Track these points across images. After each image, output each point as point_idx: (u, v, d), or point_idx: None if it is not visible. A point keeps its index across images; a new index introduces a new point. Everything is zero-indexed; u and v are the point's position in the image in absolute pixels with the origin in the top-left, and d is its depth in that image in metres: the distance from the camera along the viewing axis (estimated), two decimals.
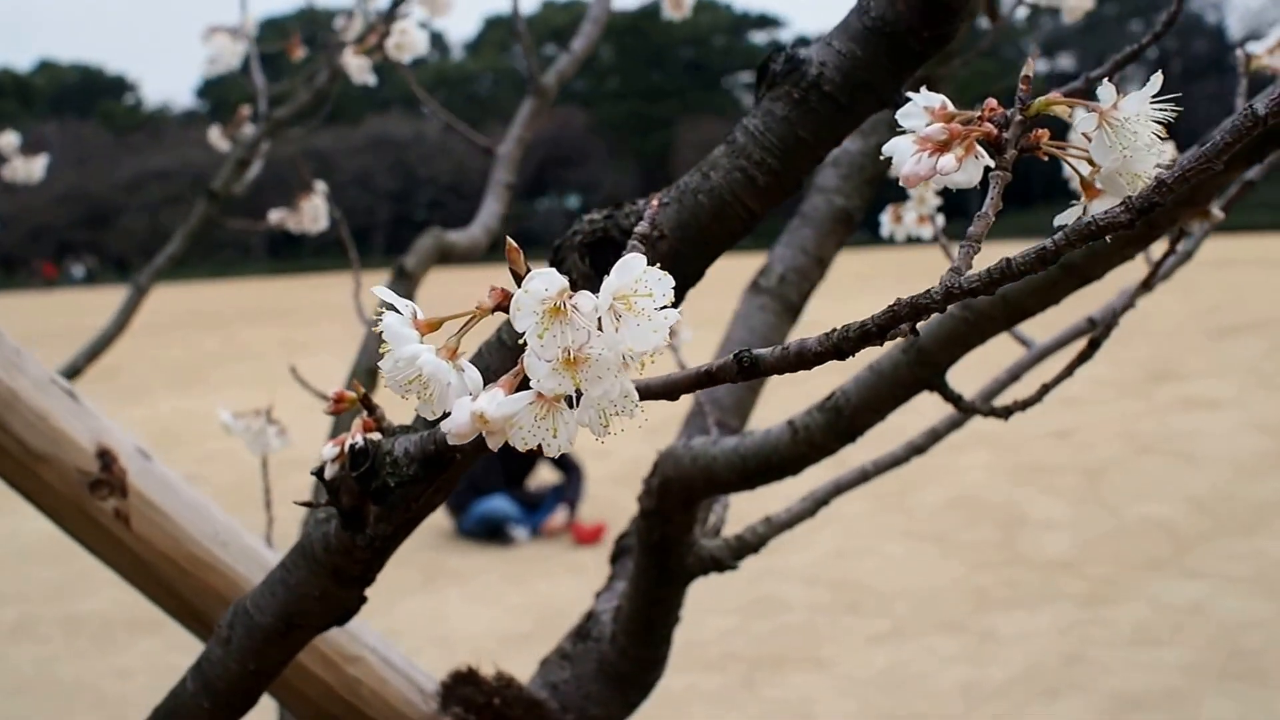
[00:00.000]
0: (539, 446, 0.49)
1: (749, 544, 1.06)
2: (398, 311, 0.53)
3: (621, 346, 0.46)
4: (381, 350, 0.52)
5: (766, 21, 59.80)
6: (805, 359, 0.50)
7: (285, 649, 0.86)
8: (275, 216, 2.56)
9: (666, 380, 0.54)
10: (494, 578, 6.33)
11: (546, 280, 0.47)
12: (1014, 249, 0.52)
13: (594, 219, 0.75)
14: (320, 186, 2.51)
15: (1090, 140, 0.60)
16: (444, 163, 49.10)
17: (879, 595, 5.63)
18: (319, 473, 0.70)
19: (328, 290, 28.11)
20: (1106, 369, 11.41)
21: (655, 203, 0.68)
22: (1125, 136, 0.60)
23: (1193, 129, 1.03)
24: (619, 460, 8.22)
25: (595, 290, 0.48)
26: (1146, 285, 0.94)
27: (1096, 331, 0.97)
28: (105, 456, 1.23)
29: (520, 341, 0.47)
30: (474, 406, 0.48)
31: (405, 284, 1.81)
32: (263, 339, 19.24)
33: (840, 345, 0.49)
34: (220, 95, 50.55)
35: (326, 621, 0.84)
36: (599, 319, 0.47)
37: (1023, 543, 6.33)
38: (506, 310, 0.50)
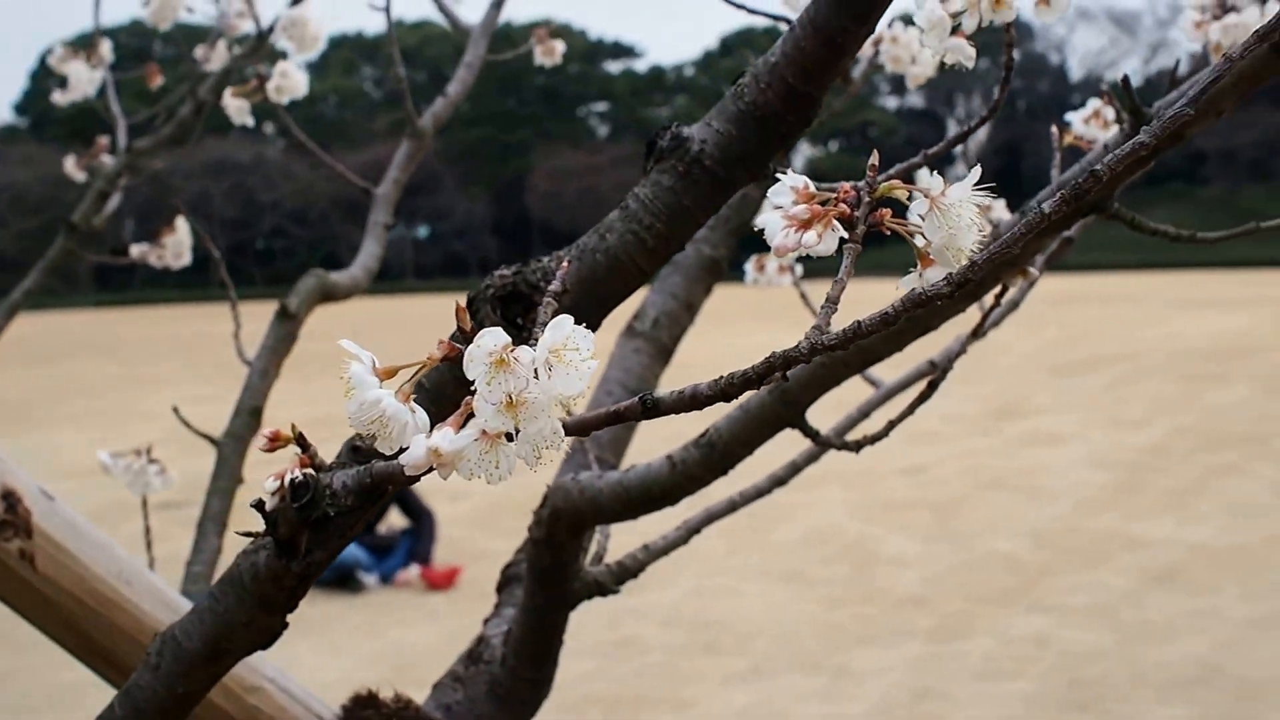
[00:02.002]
0: (483, 478, 0.59)
1: (629, 569, 1.15)
2: (361, 361, 0.62)
3: (554, 392, 0.56)
4: (346, 394, 0.61)
5: (621, 50, 60.06)
6: (698, 401, 0.60)
7: (212, 673, 0.94)
8: (137, 251, 2.46)
9: (580, 419, 0.64)
10: (345, 626, 6.21)
11: (494, 338, 0.57)
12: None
13: (504, 275, 0.85)
14: (181, 223, 2.44)
15: (923, 220, 0.71)
16: (287, 188, 47.59)
17: (737, 634, 5.74)
18: (259, 505, 0.78)
19: (163, 323, 27.50)
20: (955, 405, 11.76)
21: (565, 263, 0.78)
22: (950, 218, 0.70)
23: (1039, 166, 1.17)
24: (471, 503, 8.24)
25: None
26: (976, 334, 1.06)
27: (935, 374, 1.09)
28: (9, 498, 1.27)
29: (472, 388, 0.57)
30: (429, 443, 0.58)
31: (288, 324, 1.85)
32: (96, 374, 18.64)
33: (727, 390, 0.59)
34: (42, 111, 48.77)
35: (252, 646, 0.92)
36: (535, 369, 0.57)
37: (876, 579, 6.50)
38: (452, 361, 0.59)
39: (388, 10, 1.92)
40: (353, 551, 6.73)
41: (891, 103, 55.56)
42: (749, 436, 0.94)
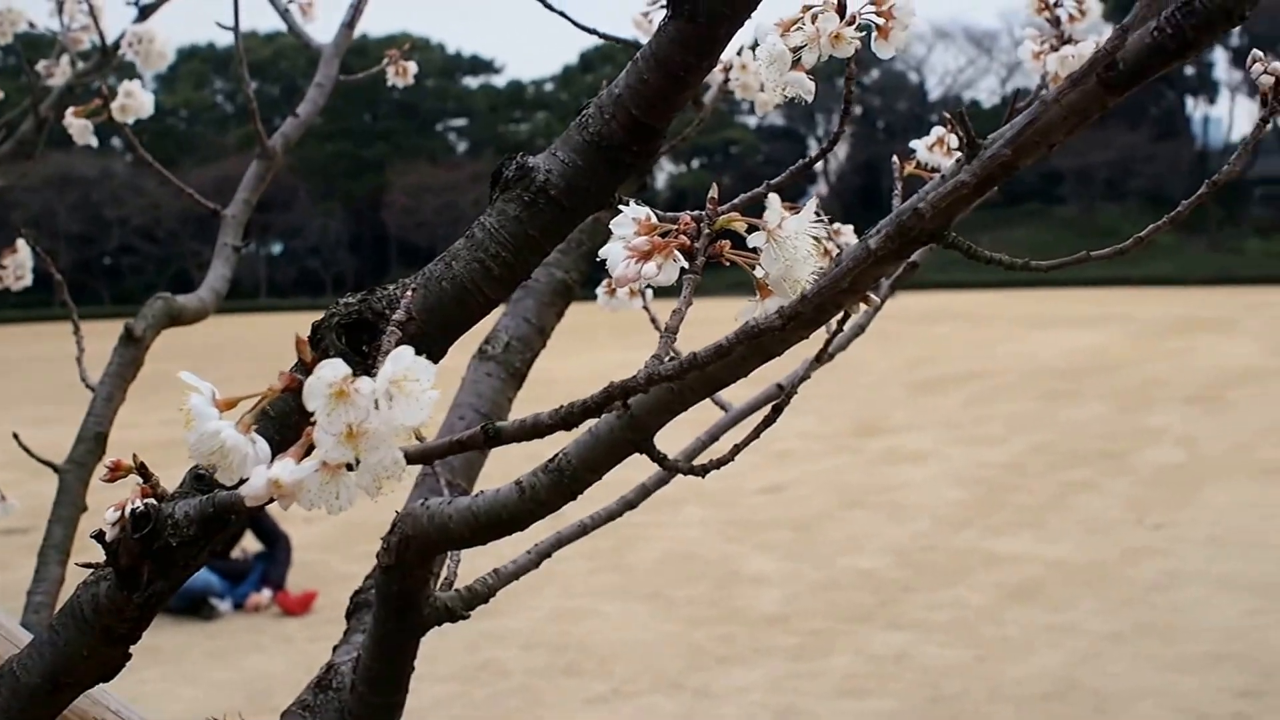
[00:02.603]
0: (327, 507, 0.58)
1: (479, 594, 1.15)
2: (200, 393, 0.61)
3: (395, 423, 0.56)
4: (186, 425, 0.60)
5: (480, 65, 59.66)
6: (539, 429, 0.60)
7: (52, 707, 0.91)
8: None
9: (423, 448, 0.64)
10: (197, 654, 6.07)
11: (334, 369, 0.56)
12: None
13: (349, 302, 0.84)
14: (22, 243, 2.37)
15: (761, 252, 0.72)
16: (135, 204, 46.12)
17: (597, 656, 5.73)
18: (99, 536, 0.76)
19: (4, 344, 26.69)
20: (815, 424, 11.92)
21: (409, 291, 0.78)
22: (787, 250, 0.71)
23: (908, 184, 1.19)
24: (326, 526, 8.12)
25: (350, 367, 0.57)
26: (820, 359, 1.08)
27: (779, 399, 1.10)
28: None
29: (312, 420, 0.56)
30: (270, 474, 0.57)
31: (133, 348, 1.81)
32: None
33: (567, 418, 0.60)
34: None
35: (94, 679, 0.89)
36: (376, 400, 0.56)
37: (737, 598, 6.55)
38: (294, 391, 0.58)
39: (236, 30, 1.89)
40: (205, 577, 6.54)
41: (752, 121, 56.24)
42: (598, 462, 0.94)
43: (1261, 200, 55.44)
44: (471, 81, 59.74)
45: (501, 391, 1.41)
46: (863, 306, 1.08)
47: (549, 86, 57.70)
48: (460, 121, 59.47)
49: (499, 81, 59.81)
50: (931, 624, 5.97)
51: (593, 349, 14.99)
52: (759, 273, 0.73)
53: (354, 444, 0.57)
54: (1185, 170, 51.16)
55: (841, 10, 0.95)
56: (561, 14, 1.58)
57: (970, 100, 56.44)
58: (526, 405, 1.08)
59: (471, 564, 1.23)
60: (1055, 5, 1.30)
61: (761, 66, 0.96)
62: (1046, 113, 0.79)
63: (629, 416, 0.88)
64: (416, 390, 0.57)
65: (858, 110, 57.61)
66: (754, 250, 0.77)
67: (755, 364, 0.83)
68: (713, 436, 1.23)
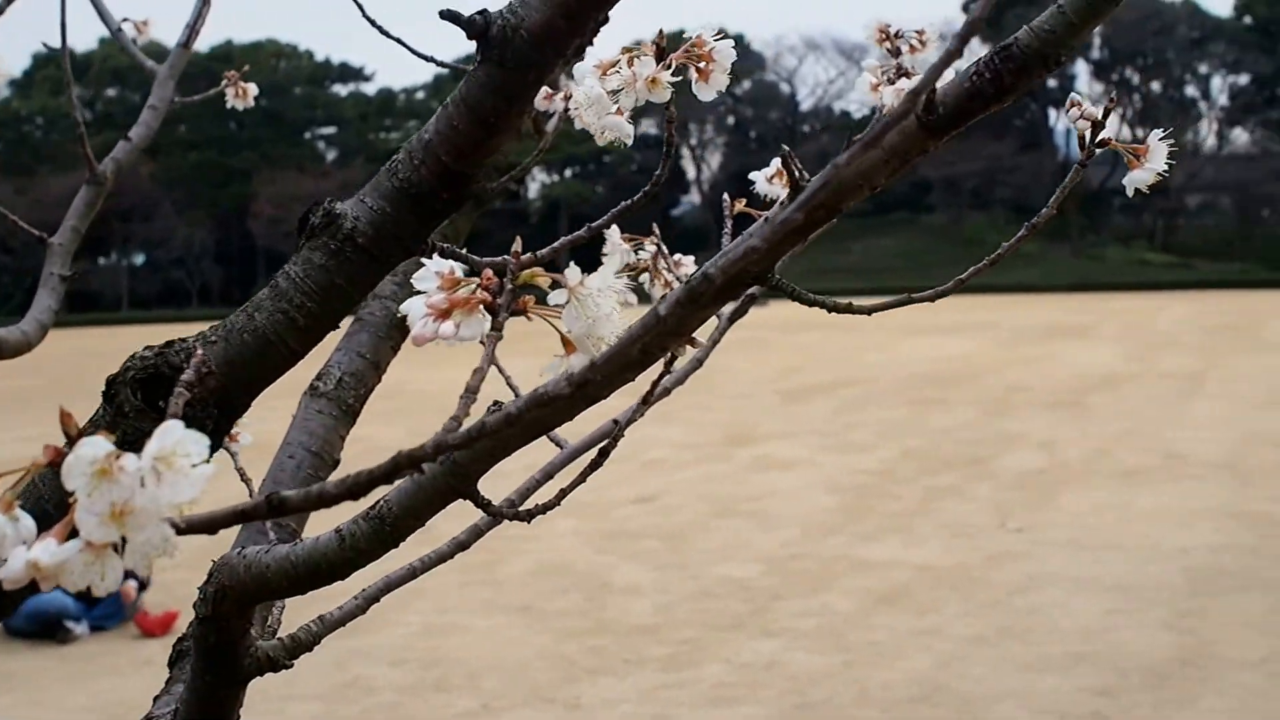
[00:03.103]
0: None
1: (303, 642, 1.13)
2: None
3: (162, 501, 0.54)
4: None
5: (349, 73, 58.93)
6: (325, 500, 0.58)
7: None
8: None
9: (207, 516, 0.61)
10: (51, 679, 5.90)
11: (94, 446, 0.54)
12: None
13: (145, 356, 0.82)
14: None
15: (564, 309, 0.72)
16: None
17: (467, 671, 5.69)
18: None
19: None
20: (687, 433, 11.99)
21: (199, 352, 0.76)
22: (590, 308, 0.71)
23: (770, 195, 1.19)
24: (190, 545, 7.94)
25: (148, 424, 0.55)
26: (645, 401, 1.07)
27: (606, 442, 1.10)
28: None
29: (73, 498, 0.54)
30: (29, 556, 0.55)
31: None
32: None
33: (353, 489, 0.58)
34: None
35: None
36: (142, 477, 0.54)
37: (608, 609, 6.55)
38: (58, 466, 0.56)
39: (64, 49, 1.83)
40: (60, 599, 6.37)
41: None
42: (420, 509, 0.92)
43: (1121, 209, 57.04)
44: (341, 89, 59.02)
45: (334, 429, 1.37)
46: (689, 349, 1.08)
47: (420, 95, 57.13)
48: (329, 130, 58.75)
49: (369, 89, 59.16)
50: (800, 631, 6.02)
51: (473, 358, 14.88)
52: (564, 328, 0.72)
53: (119, 523, 0.54)
54: (1049, 180, 52.43)
55: (660, 54, 0.94)
56: (398, 40, 1.55)
57: (840, 111, 57.28)
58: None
59: (294, 606, 1.21)
60: (896, 36, 1.31)
61: (582, 109, 0.95)
62: (867, 155, 0.79)
63: (452, 463, 0.87)
64: (186, 466, 0.54)
65: (730, 120, 58.43)
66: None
67: (582, 408, 0.81)
68: (547, 475, 1.22)
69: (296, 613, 1.15)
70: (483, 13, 0.86)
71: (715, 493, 9.49)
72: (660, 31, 0.96)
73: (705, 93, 0.98)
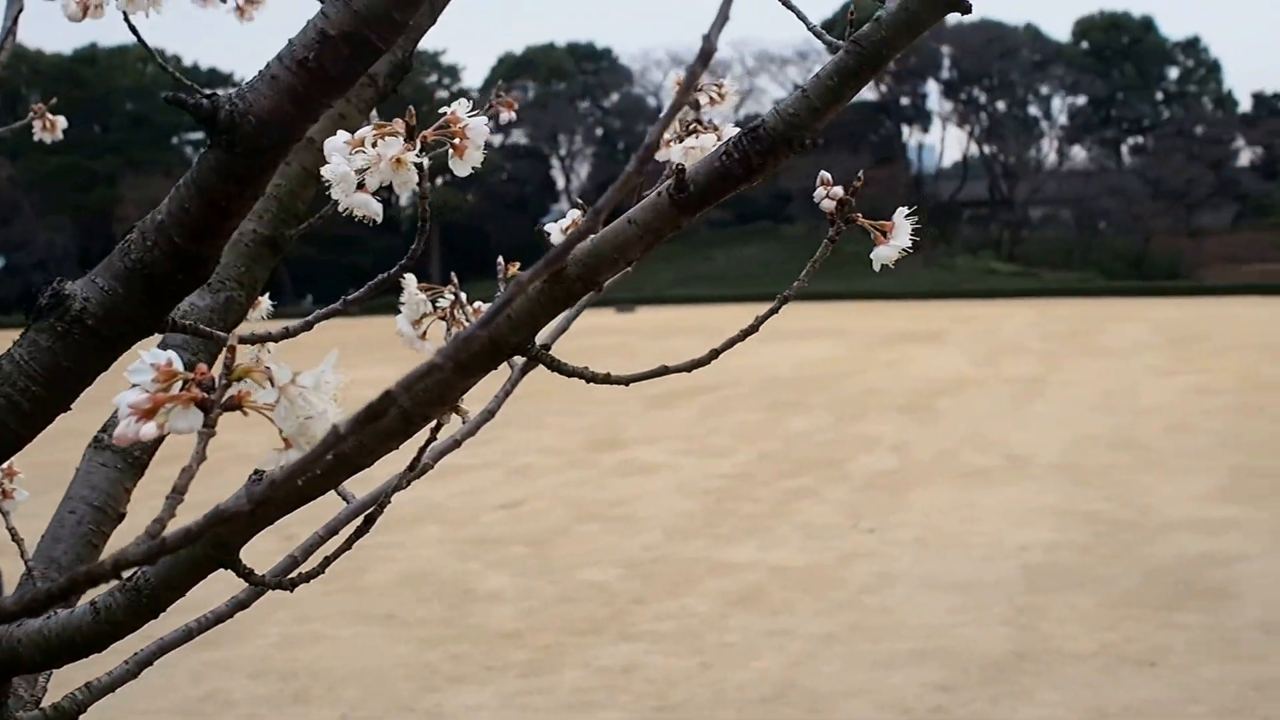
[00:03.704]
0: None
1: (67, 711, 1.09)
2: None
3: None
4: None
5: (217, 79, 57.74)
6: (121, 566, 0.55)
7: None
8: None
9: None
10: None
11: None
12: None
13: None
14: None
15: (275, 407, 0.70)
16: None
17: (328, 681, 5.70)
18: None
19: None
20: (554, 439, 12.09)
21: None
22: (300, 407, 0.69)
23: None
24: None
25: None
26: (412, 469, 1.09)
27: (371, 509, 1.12)
28: None
29: None
30: None
31: None
32: None
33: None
34: None
35: None
36: None
37: (471, 616, 6.61)
38: None
39: None
40: None
41: (497, 139, 56.43)
42: (179, 580, 0.93)
43: (970, 221, 58.49)
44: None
45: (118, 483, 1.31)
46: (455, 417, 1.12)
47: None
48: (197, 135, 57.53)
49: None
50: (659, 634, 6.15)
51: (353, 365, 14.78)
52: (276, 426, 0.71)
53: None
54: (902, 193, 53.48)
55: (411, 133, 0.93)
56: (176, 77, 1.54)
57: (707, 120, 57.66)
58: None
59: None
60: (696, 89, 1.32)
61: (331, 186, 0.93)
62: (626, 231, 0.85)
63: (213, 534, 0.85)
64: None
65: (599, 131, 58.53)
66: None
67: (346, 476, 0.85)
68: (331, 530, 1.21)
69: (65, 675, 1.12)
70: (211, 97, 0.85)
71: (580, 498, 9.59)
72: (410, 110, 0.94)
73: (461, 168, 0.97)
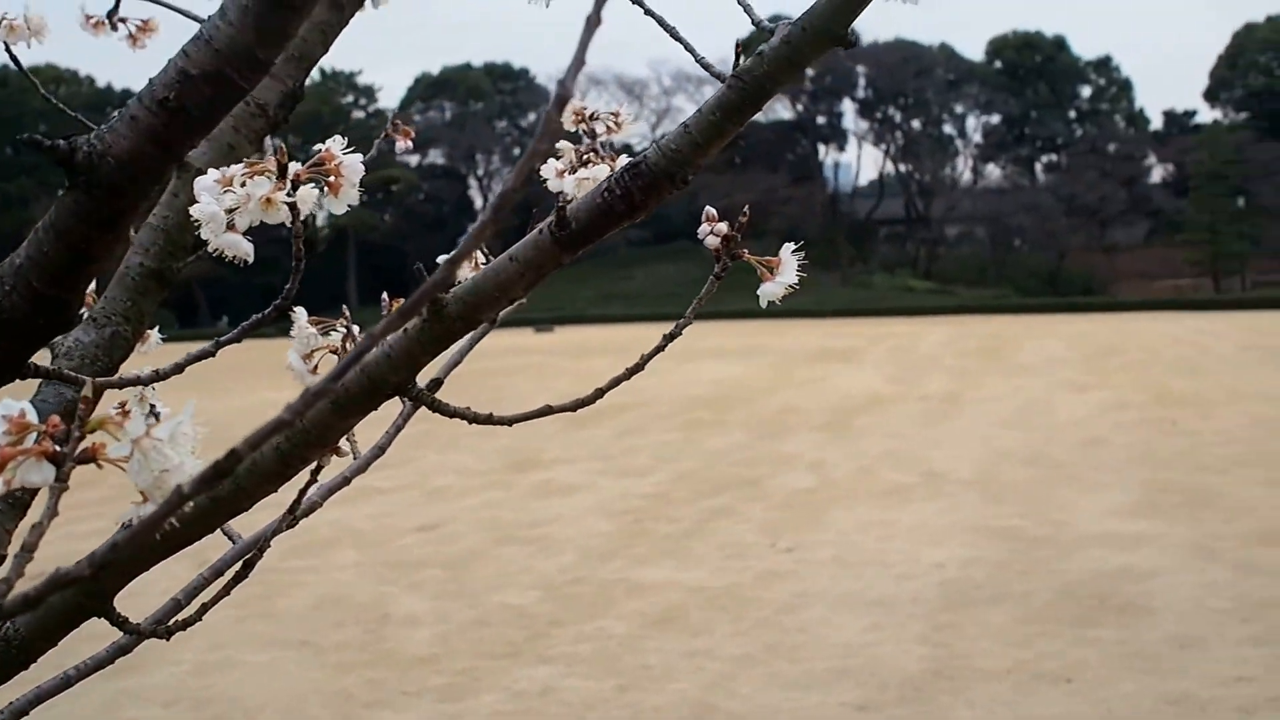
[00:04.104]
0: None
1: None
2: None
3: None
4: None
5: (130, 98, 57.53)
6: None
7: None
8: None
9: None
10: None
11: None
12: None
13: None
14: None
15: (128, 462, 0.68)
16: None
17: (243, 709, 5.62)
18: None
19: None
20: (472, 460, 12.04)
21: None
22: (156, 460, 0.67)
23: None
24: None
25: None
26: (292, 513, 1.08)
27: (251, 554, 1.11)
28: None
29: None
30: None
31: None
32: None
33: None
34: None
35: None
36: None
37: (387, 640, 6.54)
38: None
39: None
40: None
41: (414, 160, 56.23)
42: (51, 631, 0.91)
43: (886, 239, 59.13)
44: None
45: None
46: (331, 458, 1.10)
47: None
48: None
49: None
50: (577, 657, 6.12)
51: (262, 387, 14.66)
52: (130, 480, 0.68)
53: None
54: (818, 210, 54.04)
55: (283, 171, 0.91)
56: (60, 106, 1.51)
57: (623, 144, 58.02)
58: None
59: None
60: (592, 117, 1.32)
61: (201, 226, 0.91)
62: (507, 268, 0.85)
63: (89, 582, 0.84)
64: None
65: (516, 151, 58.51)
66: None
67: (225, 519, 0.84)
68: (216, 572, 1.20)
69: None
70: (69, 138, 0.84)
71: (497, 519, 9.55)
72: (281, 148, 0.92)
73: (336, 206, 0.95)
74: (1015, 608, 6.59)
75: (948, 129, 59.68)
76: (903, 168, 58.89)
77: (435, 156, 58.36)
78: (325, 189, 0.94)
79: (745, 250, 1.05)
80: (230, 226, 0.91)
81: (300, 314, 1.06)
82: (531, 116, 59.36)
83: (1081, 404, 15.40)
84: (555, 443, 13.51)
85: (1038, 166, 60.20)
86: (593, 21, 0.48)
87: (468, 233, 0.50)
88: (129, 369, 1.40)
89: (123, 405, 0.78)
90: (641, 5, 1.15)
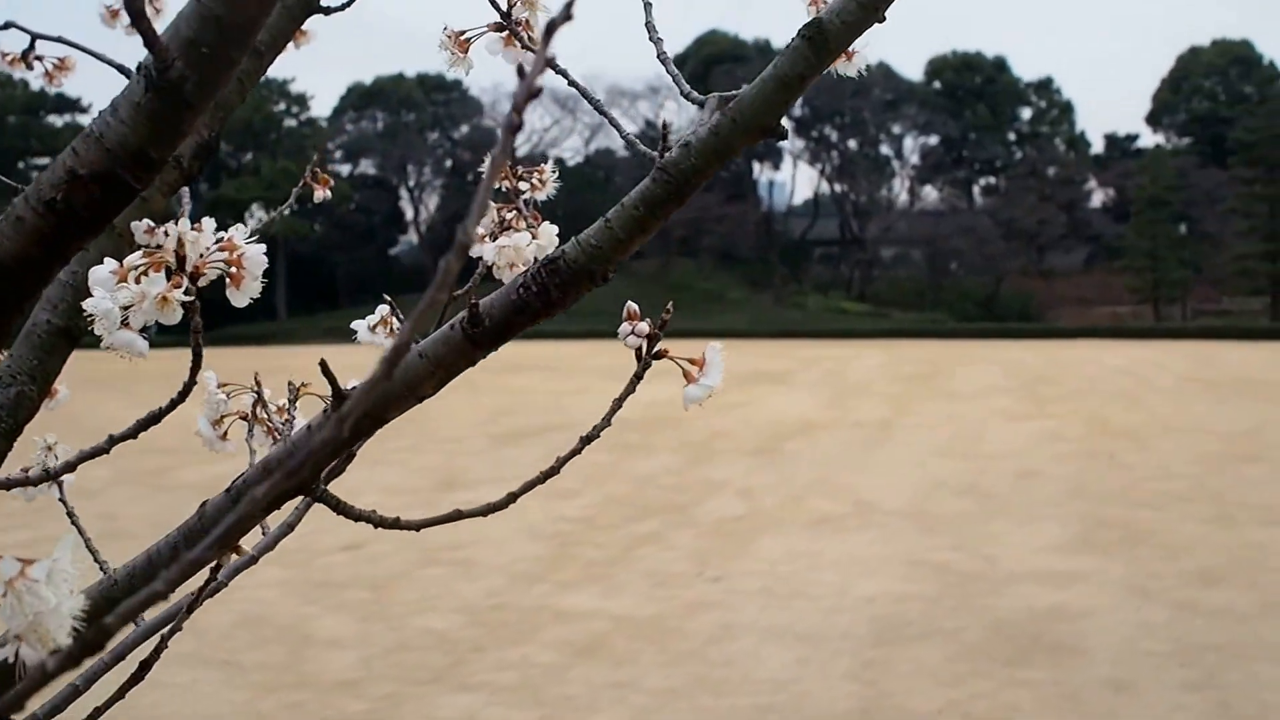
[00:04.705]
0: None
1: None
2: None
3: None
4: None
5: (65, 103, 56.64)
6: None
7: None
8: None
9: None
10: None
11: None
12: None
13: None
14: None
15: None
16: None
17: None
18: None
19: None
20: (398, 477, 11.92)
21: None
22: (30, 602, 0.62)
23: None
24: None
25: None
26: (200, 595, 1.06)
27: (176, 623, 1.09)
28: None
29: None
30: None
31: None
32: None
33: None
34: None
35: None
36: None
37: (309, 662, 6.45)
38: None
39: None
40: None
41: (345, 169, 55.87)
42: None
43: (821, 260, 59.39)
44: (56, 120, 56.70)
45: None
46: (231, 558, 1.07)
47: None
48: (44, 160, 56.29)
49: (85, 120, 56.89)
50: (499, 685, 6.05)
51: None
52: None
53: None
54: (752, 229, 54.23)
55: (181, 263, 0.88)
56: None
57: (556, 157, 58.03)
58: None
59: None
60: (519, 178, 1.30)
61: (95, 321, 0.88)
62: (416, 365, 0.81)
63: None
64: None
65: (448, 163, 58.36)
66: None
67: (148, 608, 0.81)
68: (117, 657, 1.17)
69: None
70: None
71: (422, 540, 9.40)
72: (180, 239, 0.89)
73: (238, 299, 0.91)
74: (946, 645, 6.57)
75: (885, 149, 59.86)
76: (838, 188, 59.07)
77: (367, 166, 58.06)
78: (230, 281, 0.90)
79: (668, 349, 1.02)
80: (124, 324, 0.87)
81: (210, 378, 1.03)
82: (464, 129, 59.03)
83: (1017, 434, 15.42)
84: (482, 461, 13.43)
85: (976, 189, 60.49)
86: (514, 124, 0.49)
87: (424, 296, 0.46)
88: (32, 430, 1.35)
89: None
90: (566, 76, 1.13)
